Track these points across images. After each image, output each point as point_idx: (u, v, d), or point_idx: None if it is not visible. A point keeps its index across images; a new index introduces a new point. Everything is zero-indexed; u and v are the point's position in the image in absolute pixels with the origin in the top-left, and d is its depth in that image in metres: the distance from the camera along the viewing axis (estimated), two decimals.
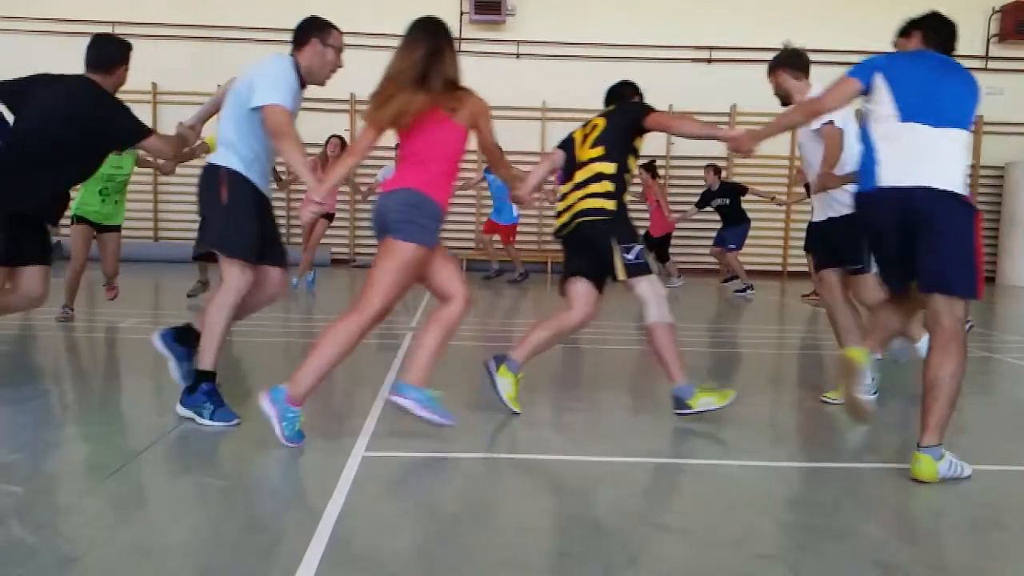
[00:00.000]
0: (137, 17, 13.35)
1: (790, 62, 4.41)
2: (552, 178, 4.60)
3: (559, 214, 4.08)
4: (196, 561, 2.21)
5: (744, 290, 10.59)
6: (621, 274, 3.81)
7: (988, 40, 14.23)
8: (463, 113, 3.27)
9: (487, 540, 2.45)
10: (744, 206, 11.08)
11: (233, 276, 3.53)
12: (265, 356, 5.69)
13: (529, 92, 13.41)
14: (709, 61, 13.63)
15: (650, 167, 11.46)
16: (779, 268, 14.15)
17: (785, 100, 4.44)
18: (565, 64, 13.75)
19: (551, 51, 13.71)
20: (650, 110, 3.98)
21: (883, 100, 3.17)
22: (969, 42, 14.07)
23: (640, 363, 5.60)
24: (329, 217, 9.41)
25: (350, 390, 4.67)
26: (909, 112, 3.12)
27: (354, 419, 3.65)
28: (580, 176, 3.98)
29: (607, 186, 3.89)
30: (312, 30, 3.60)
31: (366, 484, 2.84)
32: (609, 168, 3.92)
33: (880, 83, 3.18)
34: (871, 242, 3.44)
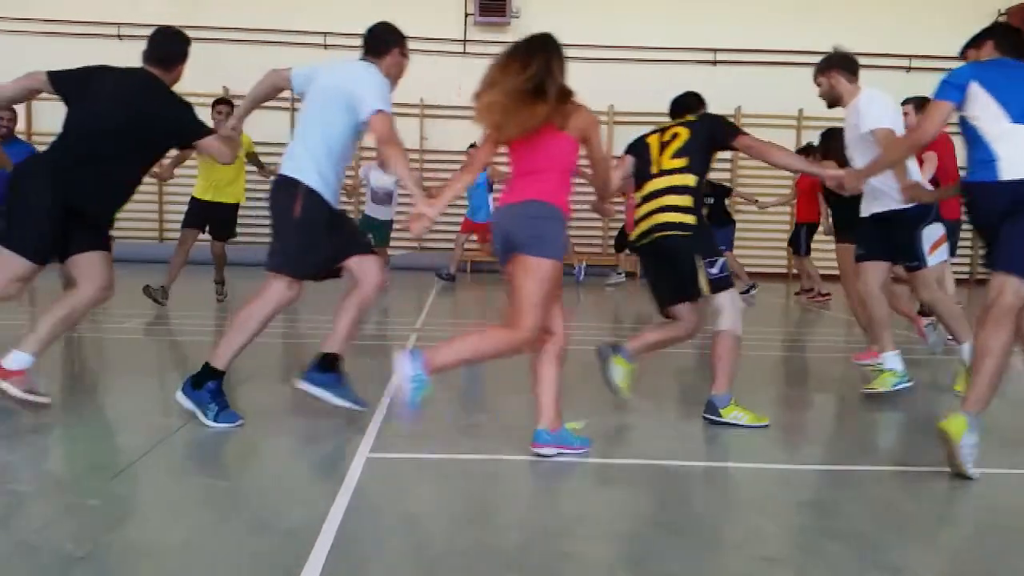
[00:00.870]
0: (139, 18, 13.36)
1: (844, 64, 4.44)
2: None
3: (636, 222, 3.99)
4: (200, 562, 2.21)
5: (748, 291, 10.56)
6: (706, 290, 3.81)
7: None
8: (573, 125, 3.25)
9: (491, 542, 2.44)
10: (741, 207, 11.14)
11: (278, 291, 3.50)
12: (269, 357, 5.70)
13: None
14: (714, 63, 13.61)
15: None
16: (784, 271, 14.13)
17: (833, 102, 4.47)
18: (569, 66, 13.72)
19: None
20: (740, 131, 3.99)
21: (986, 105, 3.30)
22: None
23: (644, 366, 5.59)
24: None
25: (355, 390, 4.68)
26: (1018, 114, 3.28)
27: (358, 420, 3.65)
28: (657, 185, 3.89)
29: (687, 200, 3.82)
30: (393, 39, 3.67)
31: (370, 485, 2.84)
32: (691, 181, 3.85)
33: (977, 91, 3.31)
34: (981, 231, 3.48)
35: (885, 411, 4.19)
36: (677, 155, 3.87)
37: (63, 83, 3.69)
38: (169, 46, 3.86)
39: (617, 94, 13.54)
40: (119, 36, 13.43)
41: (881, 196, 4.40)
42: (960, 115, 3.39)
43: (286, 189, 3.48)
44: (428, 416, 3.87)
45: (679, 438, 3.67)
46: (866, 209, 4.57)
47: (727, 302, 3.84)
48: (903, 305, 5.93)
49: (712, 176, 11.89)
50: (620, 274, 11.93)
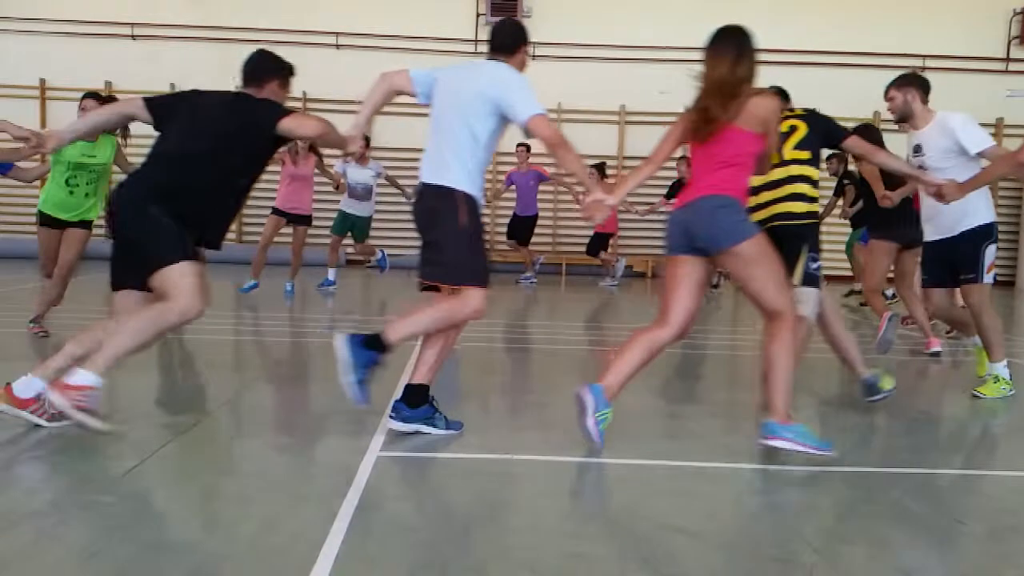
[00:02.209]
0: (155, 19, 13.46)
1: (923, 85, 4.67)
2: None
3: (751, 209, 3.95)
4: (211, 558, 2.22)
5: (717, 283, 11.11)
6: (797, 279, 3.87)
7: (1009, 42, 14.07)
8: (749, 117, 3.27)
9: (501, 541, 2.44)
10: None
11: (479, 300, 3.41)
12: (279, 356, 5.71)
13: (545, 93, 13.28)
14: None
15: (600, 169, 11.67)
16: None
17: (903, 118, 4.67)
18: (581, 65, 13.72)
19: (567, 52, 13.70)
20: (851, 132, 4.14)
21: None
22: (990, 44, 13.96)
23: (656, 365, 5.58)
24: (308, 221, 9.35)
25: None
26: None
27: (369, 419, 3.66)
28: (778, 174, 3.97)
29: (812, 191, 4.00)
30: (522, 38, 3.63)
31: (381, 484, 2.85)
32: (814, 173, 4.03)
33: None
34: None
35: (895, 412, 4.17)
36: (800, 147, 4.02)
37: (153, 109, 3.55)
38: (255, 63, 3.66)
39: (628, 94, 13.51)
40: (133, 36, 13.52)
41: (947, 221, 4.55)
42: None
43: (444, 200, 3.39)
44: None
45: (692, 438, 3.66)
46: (935, 234, 4.71)
47: (812, 295, 3.98)
48: (878, 303, 6.07)
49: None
50: (616, 273, 11.97)
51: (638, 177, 3.53)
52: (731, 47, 3.31)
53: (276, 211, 8.97)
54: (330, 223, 10.15)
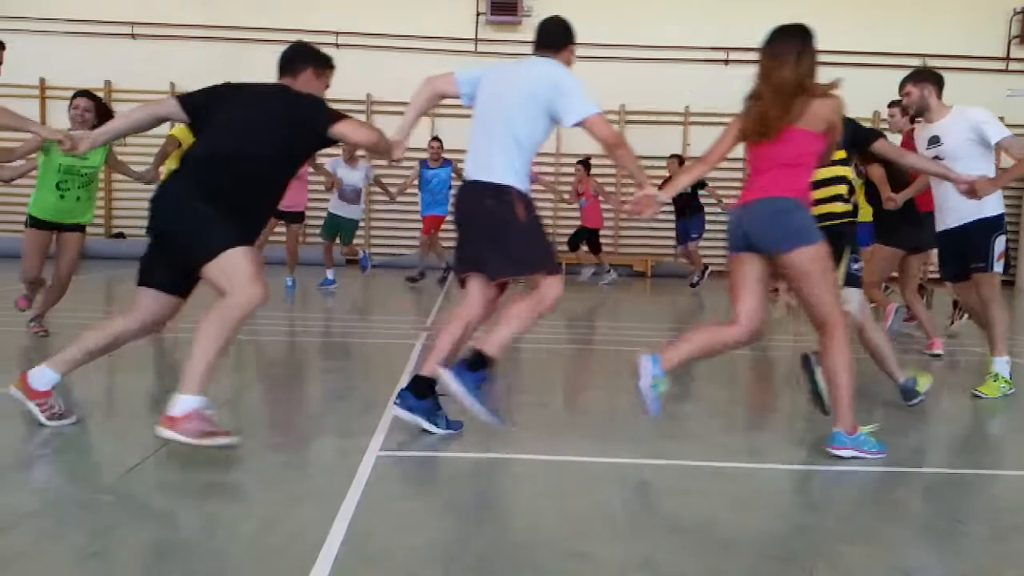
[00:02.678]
0: (152, 18, 13.45)
1: (938, 81, 4.76)
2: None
3: None
4: (212, 557, 2.22)
5: (698, 282, 11.26)
6: (840, 279, 3.91)
7: (1009, 42, 14.07)
8: (811, 117, 3.26)
9: (502, 540, 2.44)
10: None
11: (556, 286, 3.43)
12: (277, 355, 5.71)
13: None
14: (726, 62, 13.57)
15: (585, 163, 11.78)
16: None
17: (919, 112, 4.75)
18: (581, 65, 13.52)
19: None
20: (880, 134, 4.20)
21: None
22: (990, 44, 13.95)
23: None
24: (300, 218, 9.24)
25: (365, 389, 4.68)
26: None
27: (369, 418, 3.66)
28: (824, 174, 3.98)
29: (846, 190, 4.06)
30: (570, 36, 3.64)
31: (381, 483, 2.84)
32: (850, 174, 4.10)
33: None
34: None
35: (897, 412, 4.17)
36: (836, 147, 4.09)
37: (189, 107, 3.41)
38: (289, 54, 3.56)
39: (629, 94, 13.51)
40: (133, 36, 13.52)
41: (958, 210, 4.63)
42: None
43: (498, 196, 3.40)
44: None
45: (691, 438, 3.66)
46: (952, 221, 4.75)
47: (856, 295, 4.08)
48: (878, 295, 6.17)
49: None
50: (609, 271, 12.03)
51: (690, 176, 3.58)
52: (792, 47, 3.29)
53: None
54: (322, 221, 10.13)
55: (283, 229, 9.14)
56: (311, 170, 9.05)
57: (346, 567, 2.16)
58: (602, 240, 12.40)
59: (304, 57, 3.52)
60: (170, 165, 6.58)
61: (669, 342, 3.44)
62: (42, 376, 3.32)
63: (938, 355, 5.98)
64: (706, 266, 11.39)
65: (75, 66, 13.11)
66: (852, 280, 4.05)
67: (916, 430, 4.01)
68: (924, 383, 4.22)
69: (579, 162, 11.85)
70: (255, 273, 3.08)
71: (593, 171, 11.99)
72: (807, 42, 3.32)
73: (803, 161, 3.30)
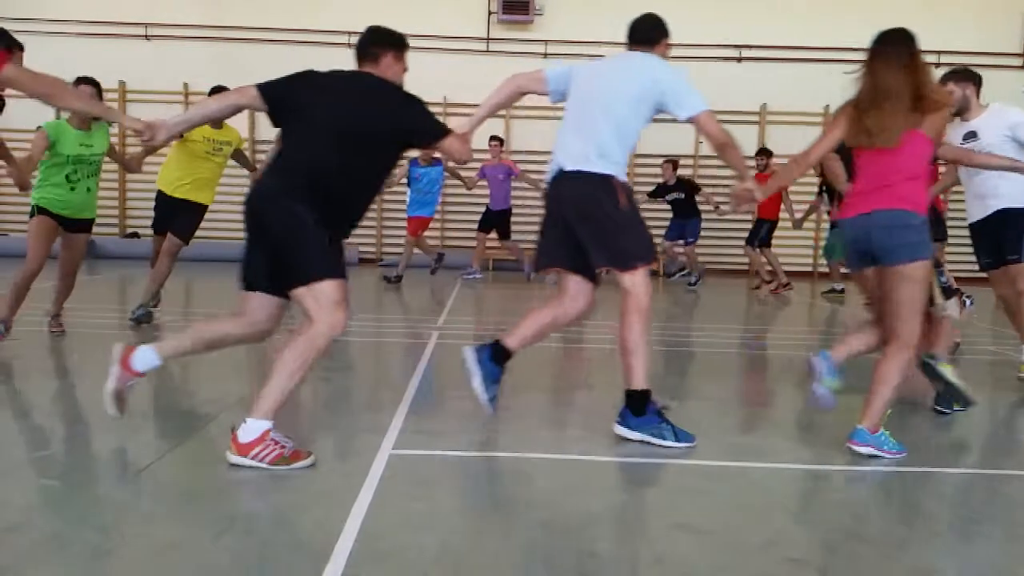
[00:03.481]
0: (165, 19, 13.52)
1: (978, 81, 4.91)
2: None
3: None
4: (226, 555, 2.23)
5: (696, 281, 11.30)
6: (939, 296, 3.99)
7: None
8: (929, 125, 3.30)
9: (514, 539, 2.44)
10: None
11: (642, 282, 3.42)
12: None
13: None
14: (739, 60, 13.53)
15: None
16: (809, 269, 14.01)
17: (960, 111, 4.86)
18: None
19: (579, 51, 13.65)
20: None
21: None
22: (1005, 40, 13.84)
23: (670, 365, 5.57)
24: None
25: (377, 388, 4.70)
26: None
27: (381, 417, 3.67)
28: None
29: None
30: (664, 31, 3.66)
31: (393, 482, 2.85)
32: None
33: None
34: None
35: (909, 412, 4.14)
36: None
37: (276, 97, 3.22)
38: (367, 39, 3.44)
39: None
40: (147, 36, 13.59)
41: (991, 199, 4.78)
42: None
43: (600, 186, 3.40)
44: (450, 414, 3.89)
45: (702, 437, 3.64)
46: (974, 215, 4.90)
47: (953, 304, 4.11)
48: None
49: (681, 173, 12.07)
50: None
51: (790, 175, 3.66)
52: (907, 51, 3.31)
53: None
54: (366, 222, 10.12)
55: None
56: None
57: (359, 565, 2.17)
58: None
59: (384, 41, 3.41)
60: (179, 155, 6.46)
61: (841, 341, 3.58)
62: (145, 358, 3.23)
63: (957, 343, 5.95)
64: (705, 267, 11.44)
65: (89, 67, 13.01)
66: (947, 292, 4.08)
67: (929, 430, 3.98)
68: (949, 372, 4.26)
69: None
70: (341, 300, 3.02)
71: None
72: (917, 46, 3.33)
73: (922, 171, 3.36)
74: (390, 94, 3.25)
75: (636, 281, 3.41)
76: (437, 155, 10.47)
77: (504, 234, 11.76)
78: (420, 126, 3.27)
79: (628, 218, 3.42)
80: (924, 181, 3.38)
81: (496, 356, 3.55)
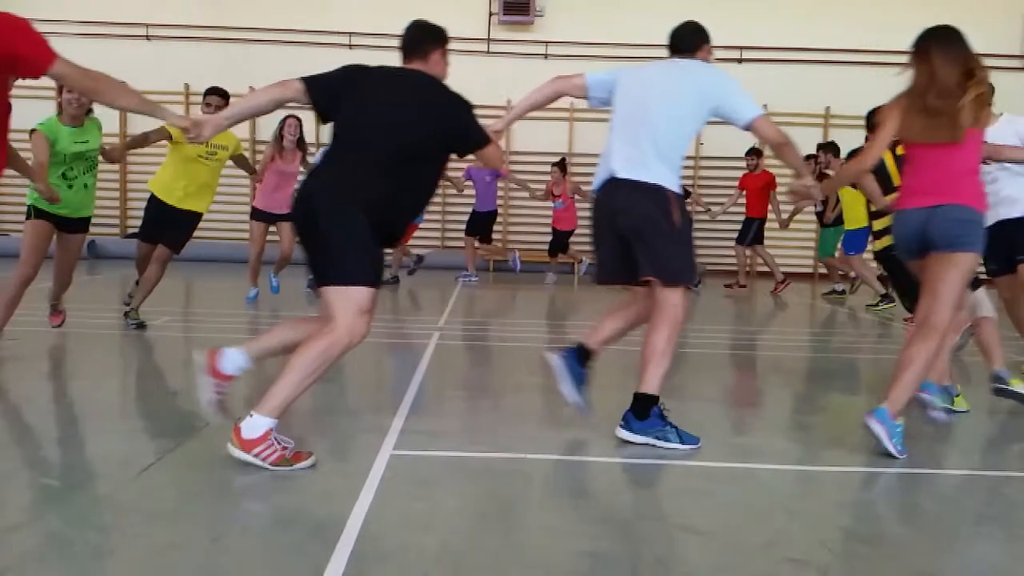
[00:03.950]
0: (167, 19, 13.52)
1: (992, 90, 4.97)
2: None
3: (879, 234, 4.33)
4: (226, 556, 2.23)
5: (698, 283, 11.24)
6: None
7: None
8: (983, 122, 3.40)
9: (514, 540, 2.44)
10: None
11: (680, 300, 3.43)
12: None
13: None
14: (740, 61, 13.52)
15: (561, 165, 11.60)
16: (810, 271, 14.01)
17: None
18: (593, 65, 13.54)
19: (579, 52, 13.67)
20: None
21: None
22: (1004, 42, 13.83)
23: (675, 366, 5.57)
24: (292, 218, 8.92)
25: (378, 389, 4.70)
26: None
27: (382, 417, 3.67)
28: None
29: None
30: (704, 38, 3.69)
31: (394, 482, 2.85)
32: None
33: None
34: None
35: (910, 413, 4.14)
36: None
37: (324, 94, 3.17)
38: (412, 34, 3.42)
39: None
40: (147, 37, 13.60)
41: (1014, 203, 4.73)
42: None
43: (654, 197, 3.38)
44: (451, 414, 3.89)
45: (704, 439, 3.64)
46: (994, 216, 4.83)
47: (983, 295, 4.28)
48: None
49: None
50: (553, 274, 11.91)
51: (849, 174, 3.80)
52: (963, 48, 3.39)
53: (259, 213, 8.16)
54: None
55: (273, 228, 8.57)
56: (302, 169, 8.36)
57: (359, 565, 2.17)
58: (576, 241, 12.07)
59: (433, 37, 3.37)
60: (173, 158, 6.30)
61: (893, 380, 3.42)
62: (234, 360, 3.14)
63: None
64: (705, 268, 11.41)
65: (89, 67, 13.20)
66: (974, 283, 4.15)
67: (930, 432, 3.98)
68: (1017, 384, 4.32)
69: (555, 164, 11.58)
70: (369, 310, 3.00)
71: (592, 170, 11.92)
72: (965, 41, 3.42)
73: (978, 167, 3.45)
74: (443, 95, 3.23)
75: (676, 297, 3.42)
76: None
77: (486, 238, 11.73)
78: (469, 131, 3.24)
79: (679, 237, 3.42)
80: (979, 176, 3.45)
81: (580, 358, 3.58)
